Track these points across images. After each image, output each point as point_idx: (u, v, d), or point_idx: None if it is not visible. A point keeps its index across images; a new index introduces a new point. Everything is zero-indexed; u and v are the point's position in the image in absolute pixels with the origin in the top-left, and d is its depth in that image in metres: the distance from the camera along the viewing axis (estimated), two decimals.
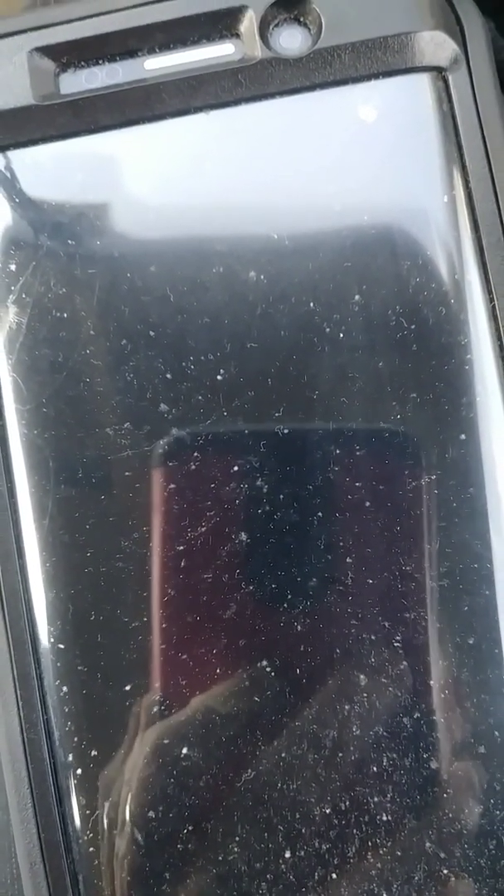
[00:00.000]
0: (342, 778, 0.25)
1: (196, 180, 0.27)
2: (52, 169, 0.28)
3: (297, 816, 0.25)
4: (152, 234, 0.27)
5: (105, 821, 0.25)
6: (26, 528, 0.26)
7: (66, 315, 0.26)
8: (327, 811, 0.25)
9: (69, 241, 0.27)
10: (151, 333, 0.26)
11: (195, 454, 0.26)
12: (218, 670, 0.25)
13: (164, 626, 0.25)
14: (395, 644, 0.25)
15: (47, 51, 0.27)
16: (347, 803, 0.25)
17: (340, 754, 0.25)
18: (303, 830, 0.24)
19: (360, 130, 0.27)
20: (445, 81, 0.27)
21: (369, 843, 0.24)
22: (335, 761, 0.25)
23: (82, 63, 0.28)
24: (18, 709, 0.25)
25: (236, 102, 0.27)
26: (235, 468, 0.26)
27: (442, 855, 0.24)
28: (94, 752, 0.25)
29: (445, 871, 0.24)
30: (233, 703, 0.25)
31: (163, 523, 0.26)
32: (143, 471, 0.26)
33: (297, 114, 0.27)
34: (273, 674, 0.25)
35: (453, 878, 0.24)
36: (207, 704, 0.25)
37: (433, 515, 0.25)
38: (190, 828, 0.25)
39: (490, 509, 0.25)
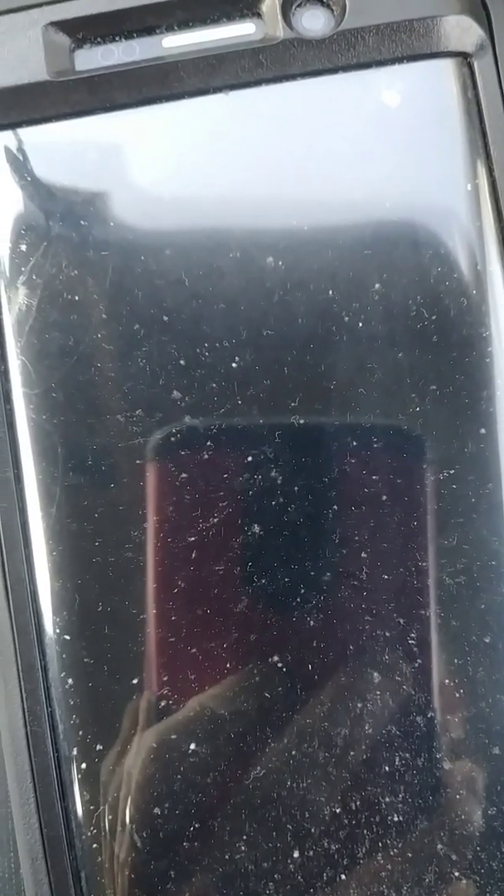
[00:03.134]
0: (353, 777, 0.24)
1: (214, 162, 0.26)
2: (66, 148, 0.27)
3: (306, 816, 0.24)
4: (167, 216, 0.26)
5: (109, 817, 0.25)
6: (33, 516, 0.25)
7: (77, 298, 0.26)
8: (337, 811, 0.24)
9: (82, 223, 0.26)
10: (165, 319, 0.25)
11: (208, 443, 0.25)
12: (227, 665, 0.25)
13: (173, 618, 0.25)
14: (410, 641, 0.24)
15: (63, 26, 0.27)
16: (358, 803, 0.24)
17: (352, 753, 0.24)
18: (312, 830, 0.24)
19: (383, 115, 0.27)
20: (471, 67, 0.27)
21: (379, 844, 0.24)
22: (346, 760, 0.24)
23: (99, 39, 0.27)
24: (22, 700, 0.25)
25: (256, 83, 0.27)
26: (249, 459, 0.25)
27: (453, 857, 0.24)
28: (99, 747, 0.25)
29: (457, 874, 0.24)
30: (242, 699, 0.24)
31: (173, 514, 0.25)
32: (154, 459, 0.25)
33: (319, 96, 0.27)
34: (284, 669, 0.24)
35: (465, 881, 0.24)
36: (216, 700, 0.24)
37: (450, 511, 0.25)
38: (196, 825, 0.24)
39: None
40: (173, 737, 0.25)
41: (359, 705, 0.24)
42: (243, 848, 0.24)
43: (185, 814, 0.24)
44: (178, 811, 0.24)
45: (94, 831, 0.25)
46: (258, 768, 0.24)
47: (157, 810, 0.24)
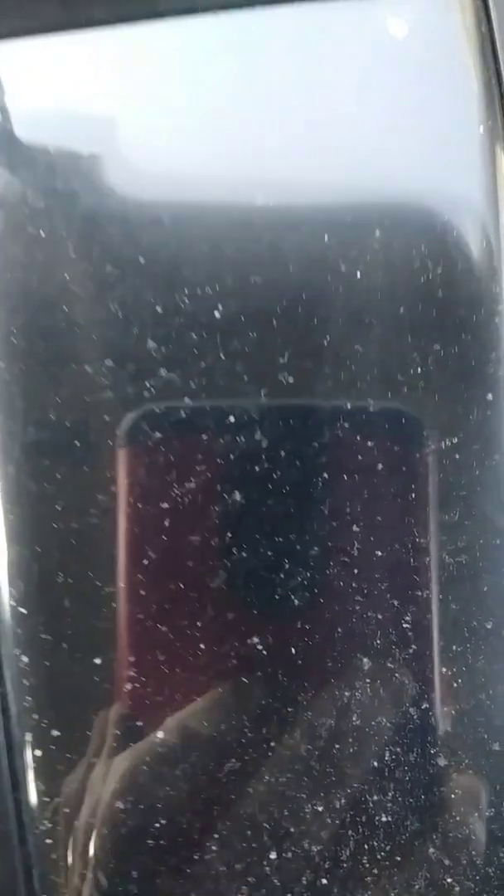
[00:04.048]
0: (338, 774, 0.22)
1: (198, 90, 0.24)
2: (35, 67, 0.24)
3: (286, 814, 0.22)
4: (146, 147, 0.24)
5: (66, 809, 0.22)
6: None
7: (42, 234, 0.23)
8: (320, 809, 0.22)
9: (49, 150, 0.23)
10: (141, 260, 0.23)
11: (186, 400, 0.22)
12: (201, 644, 0.22)
13: (142, 593, 0.22)
14: (404, 626, 0.22)
15: None
16: (343, 801, 0.22)
17: (337, 747, 0.22)
18: (291, 830, 0.22)
19: (388, 47, 0.24)
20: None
21: (365, 847, 0.22)
22: (331, 755, 0.22)
23: None
24: None
25: (249, 4, 0.24)
26: (231, 419, 0.23)
27: (446, 862, 0.22)
28: (55, 732, 0.22)
29: (450, 880, 0.22)
30: (215, 684, 0.22)
31: (145, 477, 0.22)
32: (125, 415, 0.22)
33: (317, 23, 0.24)
34: (264, 652, 0.22)
35: (458, 888, 0.22)
36: (186, 682, 0.22)
37: (452, 483, 0.23)
38: (163, 821, 0.22)
39: None
40: (141, 724, 0.22)
41: (346, 695, 0.22)
42: (223, 849, 0.22)
43: (154, 808, 0.22)
44: (146, 804, 0.22)
45: (50, 826, 0.22)
46: (242, 762, 0.22)
47: (120, 804, 0.22)
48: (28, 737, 0.23)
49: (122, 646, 0.22)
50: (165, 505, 0.22)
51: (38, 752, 0.23)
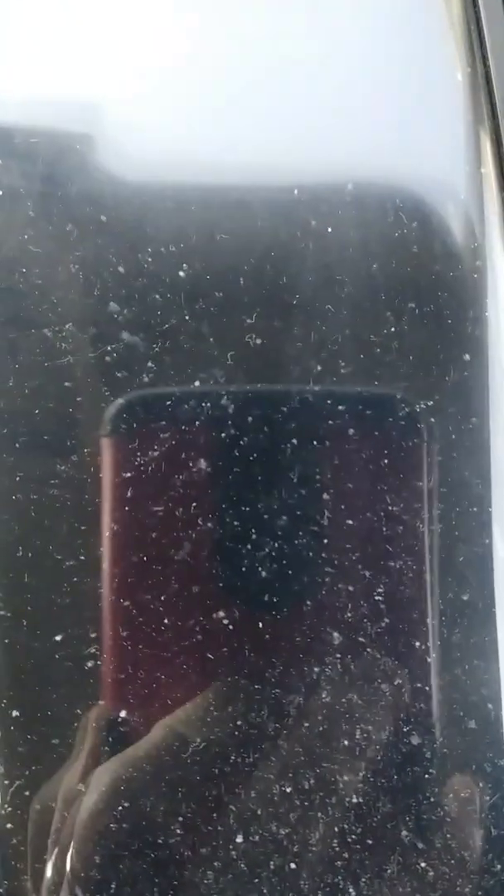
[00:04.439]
0: (306, 752, 0.21)
1: (162, 29, 0.23)
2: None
3: (254, 795, 0.21)
4: (107, 96, 0.23)
5: (27, 792, 0.21)
6: None
7: (0, 191, 0.22)
8: (288, 790, 0.21)
9: (5, 98, 0.22)
10: (103, 218, 0.22)
11: (149, 364, 0.21)
12: (166, 620, 0.21)
13: (105, 565, 0.21)
14: (377, 598, 0.21)
15: None
16: (312, 782, 0.21)
17: (306, 724, 0.21)
18: (258, 811, 0.21)
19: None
20: None
21: (335, 829, 0.21)
22: (299, 732, 0.21)
23: None
24: None
25: None
26: (196, 383, 0.21)
27: (419, 845, 0.21)
28: (15, 713, 0.21)
29: (423, 864, 0.21)
30: (182, 656, 0.21)
31: (110, 445, 0.21)
32: (85, 380, 0.21)
33: None
34: (231, 626, 0.21)
35: (432, 873, 0.21)
36: (152, 657, 0.21)
37: (427, 448, 0.21)
38: (126, 804, 0.21)
39: (494, 443, 0.21)
40: (102, 702, 0.21)
41: (315, 670, 0.21)
42: (188, 833, 0.21)
43: (118, 790, 0.21)
44: (111, 784, 0.21)
45: (10, 809, 0.21)
46: (208, 738, 0.21)
47: (82, 787, 0.21)
48: None
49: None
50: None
51: None
